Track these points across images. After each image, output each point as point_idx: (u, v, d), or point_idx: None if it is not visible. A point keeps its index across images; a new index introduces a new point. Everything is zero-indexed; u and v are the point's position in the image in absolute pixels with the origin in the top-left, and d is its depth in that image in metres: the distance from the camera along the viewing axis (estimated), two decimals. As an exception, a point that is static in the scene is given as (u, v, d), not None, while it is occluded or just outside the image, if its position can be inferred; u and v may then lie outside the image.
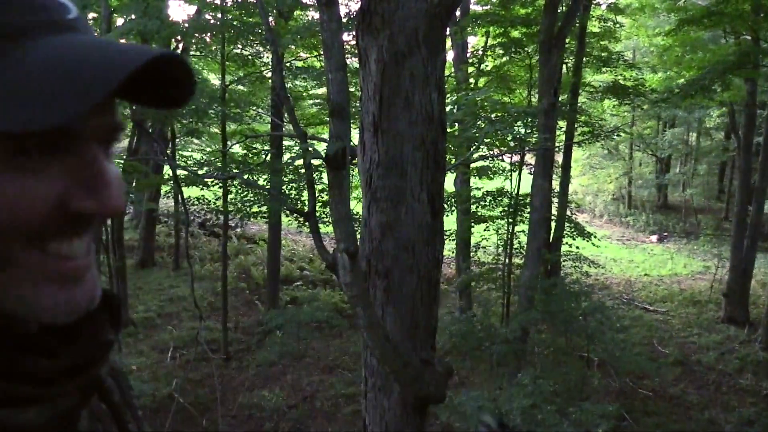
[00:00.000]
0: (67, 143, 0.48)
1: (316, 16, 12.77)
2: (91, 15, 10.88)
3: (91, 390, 0.57)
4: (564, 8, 9.21)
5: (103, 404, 0.62)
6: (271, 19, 10.98)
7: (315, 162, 5.87)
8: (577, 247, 11.77)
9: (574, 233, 11.64)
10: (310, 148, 3.24)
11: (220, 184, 9.91)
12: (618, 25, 13.62)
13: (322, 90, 12.84)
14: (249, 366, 10.17)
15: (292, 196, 9.80)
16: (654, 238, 21.67)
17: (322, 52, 12.61)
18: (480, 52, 12.88)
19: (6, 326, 0.48)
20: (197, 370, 9.79)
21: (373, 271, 2.79)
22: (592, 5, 12.08)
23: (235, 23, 10.42)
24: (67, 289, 0.50)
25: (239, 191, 9.97)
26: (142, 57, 0.45)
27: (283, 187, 9.64)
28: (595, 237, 12.06)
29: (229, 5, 10.60)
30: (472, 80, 12.21)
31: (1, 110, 0.42)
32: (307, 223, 11.05)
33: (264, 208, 10.10)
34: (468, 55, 12.51)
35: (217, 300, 12.10)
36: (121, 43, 0.50)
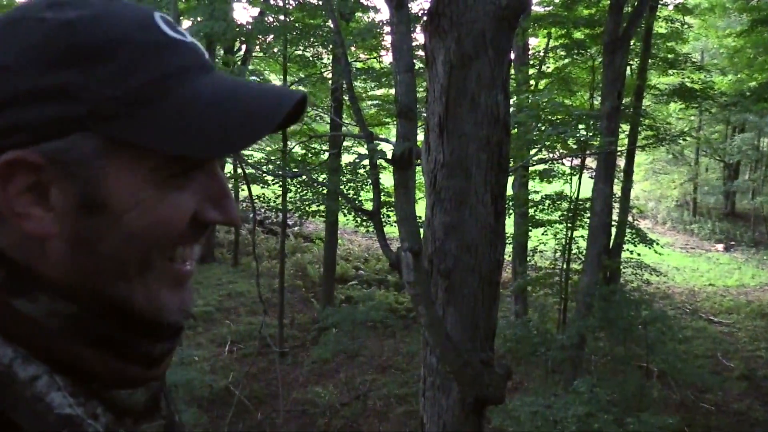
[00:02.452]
0: (202, 163, 0.55)
1: (377, 17, 12.89)
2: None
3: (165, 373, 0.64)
4: (629, 9, 8.99)
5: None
6: (332, 21, 11.15)
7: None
8: (639, 255, 11.44)
9: (636, 240, 11.32)
10: (378, 148, 3.30)
11: (280, 183, 10.12)
12: (686, 26, 13.19)
13: (382, 91, 12.94)
14: (303, 362, 10.34)
15: (350, 195, 9.91)
16: (720, 246, 20.85)
17: (382, 54, 12.75)
18: (541, 54, 12.71)
19: (125, 316, 0.54)
20: (254, 364, 10.02)
21: (435, 271, 2.81)
22: (659, 5, 11.74)
23: (296, 25, 10.63)
24: (181, 292, 0.57)
25: (299, 190, 10.16)
26: (291, 100, 0.54)
27: (341, 186, 9.77)
28: (657, 244, 11.70)
29: (291, 7, 10.82)
30: (532, 82, 12.06)
31: (178, 137, 0.50)
32: (365, 223, 11.19)
33: (322, 207, 10.25)
34: (529, 56, 12.37)
35: (273, 296, 12.36)
36: (260, 83, 0.59)
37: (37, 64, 0.49)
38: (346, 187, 9.99)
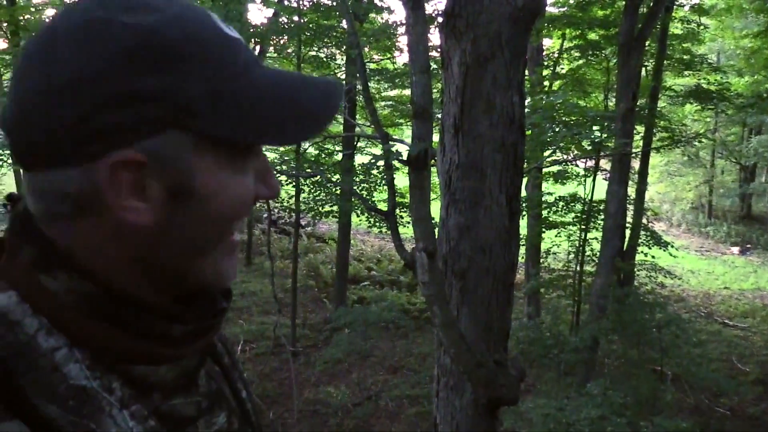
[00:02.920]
0: (258, 148, 0.62)
1: (391, 19, 12.91)
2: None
3: (206, 352, 0.68)
4: (645, 9, 8.94)
5: (215, 366, 0.71)
6: (345, 22, 11.18)
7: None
8: (653, 257, 11.35)
9: (650, 242, 11.23)
10: (393, 149, 3.31)
11: (293, 183, 10.16)
12: (702, 27, 13.07)
13: (395, 92, 12.95)
14: (316, 362, 10.36)
15: (363, 196, 9.92)
16: (735, 249, 20.64)
17: (395, 55, 12.76)
18: (555, 55, 12.66)
19: (148, 298, 0.58)
20: (266, 363, 10.07)
21: (450, 272, 2.82)
22: (675, 6, 11.65)
23: (311, 26, 10.67)
24: (233, 259, 0.63)
25: (312, 190, 10.19)
26: (337, 90, 0.62)
27: (355, 187, 9.79)
28: (672, 246, 11.61)
29: (305, 8, 10.86)
30: (546, 83, 12.02)
31: (253, 127, 0.56)
32: (378, 224, 11.20)
33: (335, 208, 10.27)
34: (543, 57, 12.32)
35: (286, 296, 12.41)
36: (302, 75, 0.64)
37: (131, 69, 0.52)
38: (360, 188, 10.00)
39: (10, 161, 12.61)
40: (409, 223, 9.91)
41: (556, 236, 11.31)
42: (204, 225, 0.58)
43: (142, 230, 0.55)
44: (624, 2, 8.53)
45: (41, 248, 0.55)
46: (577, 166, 11.51)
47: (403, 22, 10.94)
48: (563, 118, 8.15)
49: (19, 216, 0.58)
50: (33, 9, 14.96)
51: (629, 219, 11.08)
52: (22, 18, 14.14)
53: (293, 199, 10.72)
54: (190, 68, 0.53)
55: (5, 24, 13.69)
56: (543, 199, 10.92)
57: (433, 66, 7.62)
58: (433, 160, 2.92)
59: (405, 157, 2.60)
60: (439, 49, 3.28)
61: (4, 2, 13.86)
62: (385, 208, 3.60)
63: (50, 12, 15.14)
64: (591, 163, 11.20)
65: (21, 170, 0.58)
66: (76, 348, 0.54)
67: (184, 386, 0.62)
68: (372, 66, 12.68)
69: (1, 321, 0.52)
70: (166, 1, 0.55)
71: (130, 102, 0.52)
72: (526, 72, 11.69)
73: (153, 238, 0.56)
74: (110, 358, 0.55)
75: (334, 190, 9.88)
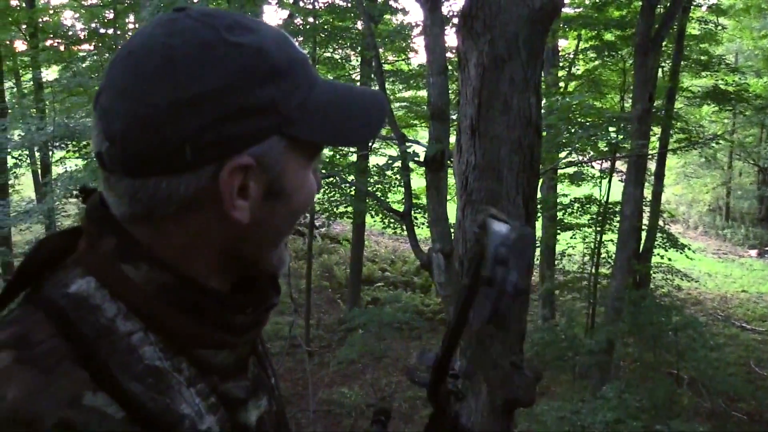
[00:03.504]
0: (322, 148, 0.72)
1: (406, 20, 12.90)
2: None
3: (256, 342, 0.76)
4: (662, 10, 8.87)
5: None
6: (360, 23, 11.20)
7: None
8: (669, 259, 11.25)
9: (667, 244, 11.14)
10: (409, 150, 3.32)
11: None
12: (720, 27, 12.94)
13: (410, 93, 12.95)
14: (330, 362, 10.39)
15: (378, 197, 9.93)
16: (753, 252, 20.40)
17: (410, 56, 12.76)
18: (571, 56, 12.59)
19: (216, 289, 0.64)
20: (280, 364, 10.10)
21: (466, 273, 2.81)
22: (692, 7, 11.55)
23: (325, 27, 10.70)
24: (287, 248, 0.72)
25: (326, 191, 10.21)
26: (383, 99, 0.72)
27: (369, 188, 9.80)
28: (689, 249, 11.50)
29: (320, 9, 10.89)
30: (561, 84, 11.96)
31: (331, 131, 0.65)
32: (392, 225, 11.20)
33: (349, 209, 10.27)
34: (558, 58, 12.26)
35: (300, 297, 12.45)
36: (351, 85, 0.75)
37: (247, 84, 0.59)
38: (374, 189, 10.01)
39: (27, 162, 12.78)
40: (423, 224, 9.92)
41: (571, 238, 11.25)
42: (285, 218, 0.67)
43: (238, 226, 0.62)
44: (641, 3, 8.47)
45: (121, 239, 0.61)
46: (592, 167, 11.44)
47: (418, 23, 10.95)
48: (579, 120, 8.11)
49: (96, 208, 0.64)
50: (51, 11, 15.14)
51: (645, 221, 11.01)
52: (41, 20, 14.32)
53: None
54: (287, 82, 0.62)
55: (24, 26, 13.85)
56: (558, 200, 10.86)
57: (449, 67, 7.62)
58: (449, 161, 2.92)
59: (422, 159, 2.60)
60: (455, 51, 3.28)
61: (23, 4, 14.03)
62: (400, 209, 3.60)
63: (68, 14, 15.31)
64: (607, 164, 11.14)
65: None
66: (151, 332, 0.60)
67: (237, 371, 0.68)
68: (387, 67, 12.69)
69: (83, 305, 0.58)
70: (256, 23, 0.63)
71: (246, 114, 0.59)
72: (542, 73, 11.69)
73: (244, 232, 0.63)
74: (180, 341, 0.61)
75: (348, 190, 9.90)
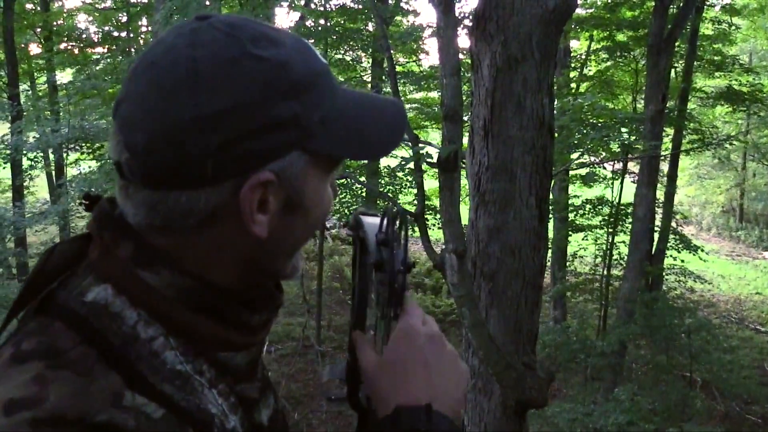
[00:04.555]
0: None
1: (417, 21, 12.91)
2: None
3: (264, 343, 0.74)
4: (674, 10, 8.82)
5: None
6: (371, 25, 11.23)
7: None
8: (682, 261, 11.17)
9: (679, 246, 11.06)
10: (422, 151, 3.32)
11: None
12: (733, 27, 12.84)
13: (421, 94, 12.95)
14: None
15: (390, 198, 9.93)
16: (768, 254, 20.21)
17: (421, 57, 12.76)
18: (583, 56, 12.55)
19: (232, 291, 0.64)
20: (291, 365, 10.12)
21: (479, 273, 2.82)
22: (706, 7, 11.47)
23: (337, 29, 10.73)
24: (300, 255, 0.71)
25: (338, 193, 10.20)
26: (403, 110, 0.71)
27: (381, 189, 9.81)
28: (702, 250, 11.41)
29: (332, 10, 10.92)
30: (573, 85, 11.91)
31: (351, 145, 0.65)
32: (404, 225, 11.13)
33: (361, 210, 10.25)
34: (570, 59, 12.22)
35: (311, 298, 12.48)
36: (372, 95, 0.73)
37: (270, 100, 0.58)
38: (386, 190, 10.02)
39: (42, 164, 12.90)
40: (434, 225, 9.91)
41: (583, 239, 11.20)
42: (303, 231, 0.66)
43: (256, 239, 0.61)
44: (653, 3, 8.43)
45: (139, 246, 0.61)
46: (604, 168, 11.38)
47: (430, 24, 10.95)
48: (591, 120, 8.08)
49: (108, 215, 0.63)
50: (66, 14, 15.29)
51: (658, 222, 10.93)
52: (55, 24, 14.47)
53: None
54: (311, 96, 0.61)
55: (39, 29, 14.00)
56: (570, 201, 10.82)
57: (463, 69, 7.61)
58: (462, 162, 2.93)
59: (434, 160, 2.61)
60: (466, 52, 3.29)
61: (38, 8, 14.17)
62: (412, 210, 3.61)
63: (82, 17, 15.46)
64: (619, 165, 11.08)
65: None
66: (171, 336, 0.60)
67: (250, 371, 0.69)
68: (398, 69, 12.70)
69: (104, 313, 0.58)
70: (280, 34, 0.62)
71: (269, 129, 0.59)
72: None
73: (261, 244, 0.62)
74: (201, 345, 0.62)
75: (360, 192, 9.92)
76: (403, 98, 13.73)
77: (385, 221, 0.75)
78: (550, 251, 12.03)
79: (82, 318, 0.57)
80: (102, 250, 0.61)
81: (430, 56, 13.37)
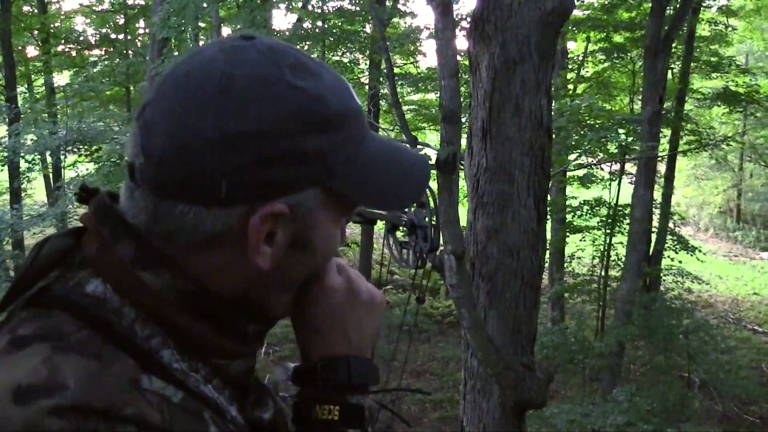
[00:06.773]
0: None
1: (414, 23, 12.95)
2: (201, 24, 11.55)
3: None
4: (671, 11, 8.85)
5: None
6: (368, 27, 11.25)
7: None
8: (680, 262, 11.20)
9: (677, 247, 11.08)
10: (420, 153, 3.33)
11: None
12: (730, 28, 12.89)
13: (418, 96, 12.98)
14: (339, 365, 10.38)
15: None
16: (765, 255, 20.26)
17: (418, 59, 12.79)
18: (580, 58, 12.58)
19: (233, 299, 0.63)
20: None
21: (477, 275, 2.83)
22: (702, 8, 11.51)
23: (334, 31, 10.75)
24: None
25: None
26: (427, 163, 0.70)
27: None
28: (699, 251, 11.44)
29: (329, 13, 10.94)
30: (571, 86, 11.94)
31: (370, 191, 0.63)
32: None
33: (358, 212, 10.27)
34: (567, 60, 12.25)
35: (309, 299, 12.44)
36: (400, 145, 0.73)
37: (298, 130, 0.57)
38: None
39: (40, 166, 12.89)
40: (432, 226, 9.91)
41: (580, 240, 11.22)
42: (304, 270, 0.65)
43: (256, 269, 0.60)
44: (650, 4, 8.45)
45: (141, 246, 0.59)
46: (602, 169, 11.41)
47: (428, 26, 10.99)
48: (589, 122, 8.10)
49: (109, 210, 0.61)
50: (63, 16, 15.29)
51: (655, 223, 10.96)
52: (52, 26, 14.46)
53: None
54: (340, 135, 0.60)
55: (36, 32, 14.00)
56: (567, 203, 10.84)
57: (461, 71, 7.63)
58: (461, 164, 2.94)
59: (433, 161, 2.62)
60: (464, 54, 3.30)
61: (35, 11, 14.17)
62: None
63: (80, 19, 15.45)
64: (616, 166, 11.11)
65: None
66: (169, 337, 0.59)
67: (247, 380, 0.68)
68: (395, 70, 12.72)
69: (105, 307, 0.57)
70: (320, 67, 0.61)
71: (292, 160, 0.57)
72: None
73: (260, 276, 0.60)
74: (197, 349, 0.60)
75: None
76: (400, 99, 13.78)
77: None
78: (547, 252, 12.06)
79: (83, 306, 0.56)
80: (99, 246, 0.59)
81: (428, 58, 13.41)
